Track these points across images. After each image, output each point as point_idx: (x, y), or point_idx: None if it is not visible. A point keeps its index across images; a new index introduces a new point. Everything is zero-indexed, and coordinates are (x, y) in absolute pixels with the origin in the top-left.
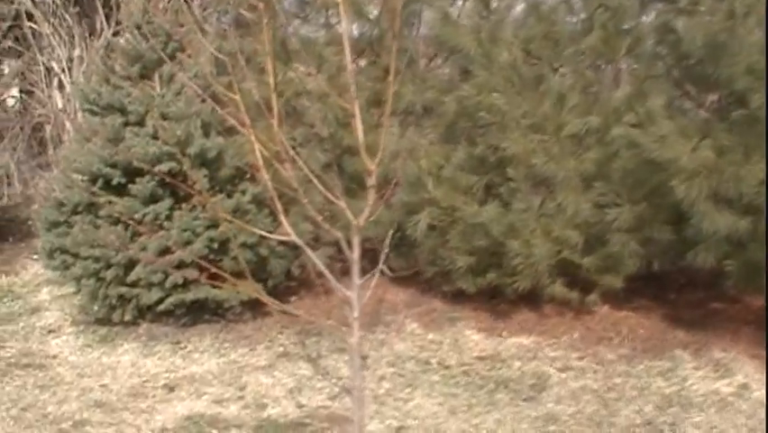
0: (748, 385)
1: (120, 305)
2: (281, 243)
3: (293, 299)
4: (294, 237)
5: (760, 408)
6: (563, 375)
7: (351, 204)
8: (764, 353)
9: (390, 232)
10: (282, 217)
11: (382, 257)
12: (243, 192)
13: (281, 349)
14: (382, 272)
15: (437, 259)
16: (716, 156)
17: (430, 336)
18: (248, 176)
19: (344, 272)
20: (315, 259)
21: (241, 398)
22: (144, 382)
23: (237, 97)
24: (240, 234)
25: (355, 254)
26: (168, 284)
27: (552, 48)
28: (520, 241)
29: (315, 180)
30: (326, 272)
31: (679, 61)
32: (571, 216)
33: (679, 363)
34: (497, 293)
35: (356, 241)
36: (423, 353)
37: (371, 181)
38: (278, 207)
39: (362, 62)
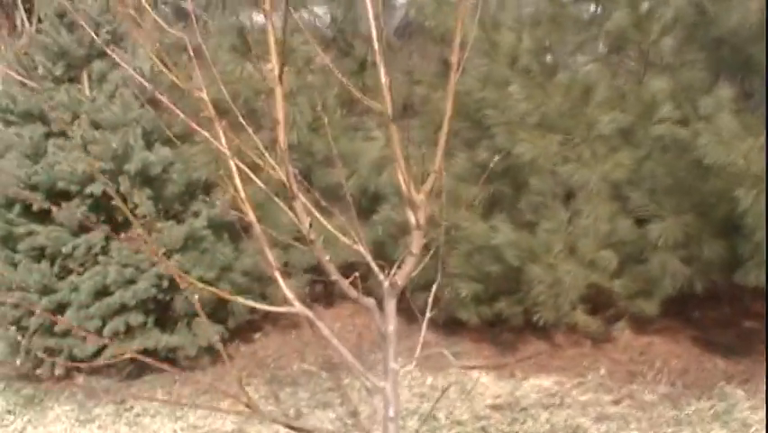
0: None
1: (47, 358)
2: (245, 274)
3: (257, 335)
4: (301, 308)
5: None
6: (603, 427)
7: (323, 225)
8: None
9: (436, 283)
10: (278, 275)
11: (424, 323)
12: (196, 214)
13: None
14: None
15: (429, 284)
16: None
17: (429, 381)
18: (202, 195)
19: (316, 300)
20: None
21: None
22: None
23: (204, 95)
24: (195, 268)
25: (390, 326)
26: (107, 332)
27: (562, 32)
28: (543, 266)
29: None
30: (350, 358)
31: (717, 46)
32: (606, 234)
33: (732, 403)
34: (497, 320)
35: (390, 307)
36: (425, 403)
37: (417, 219)
38: (270, 256)
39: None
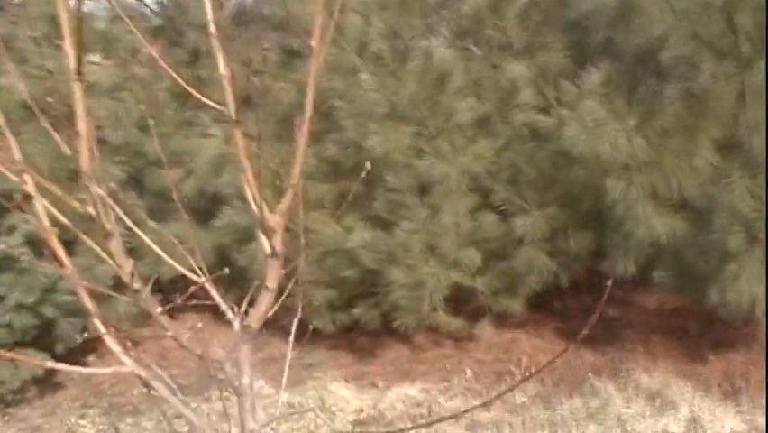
0: (697, 419)
1: None
2: (72, 293)
3: (92, 358)
4: (133, 366)
5: None
6: None
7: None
8: (692, 370)
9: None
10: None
11: (289, 350)
12: (11, 230)
13: None
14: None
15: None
16: (649, 145)
17: (285, 397)
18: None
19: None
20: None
21: None
22: None
23: None
24: (12, 292)
25: (245, 378)
26: None
27: (412, 15)
28: (402, 268)
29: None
30: (197, 421)
31: (572, 29)
32: (469, 231)
33: (605, 399)
34: (354, 327)
35: (244, 354)
36: (282, 425)
37: (272, 246)
38: (89, 303)
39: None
